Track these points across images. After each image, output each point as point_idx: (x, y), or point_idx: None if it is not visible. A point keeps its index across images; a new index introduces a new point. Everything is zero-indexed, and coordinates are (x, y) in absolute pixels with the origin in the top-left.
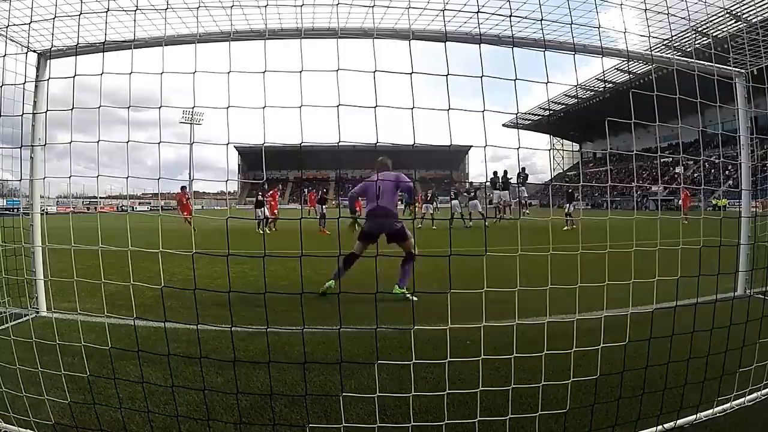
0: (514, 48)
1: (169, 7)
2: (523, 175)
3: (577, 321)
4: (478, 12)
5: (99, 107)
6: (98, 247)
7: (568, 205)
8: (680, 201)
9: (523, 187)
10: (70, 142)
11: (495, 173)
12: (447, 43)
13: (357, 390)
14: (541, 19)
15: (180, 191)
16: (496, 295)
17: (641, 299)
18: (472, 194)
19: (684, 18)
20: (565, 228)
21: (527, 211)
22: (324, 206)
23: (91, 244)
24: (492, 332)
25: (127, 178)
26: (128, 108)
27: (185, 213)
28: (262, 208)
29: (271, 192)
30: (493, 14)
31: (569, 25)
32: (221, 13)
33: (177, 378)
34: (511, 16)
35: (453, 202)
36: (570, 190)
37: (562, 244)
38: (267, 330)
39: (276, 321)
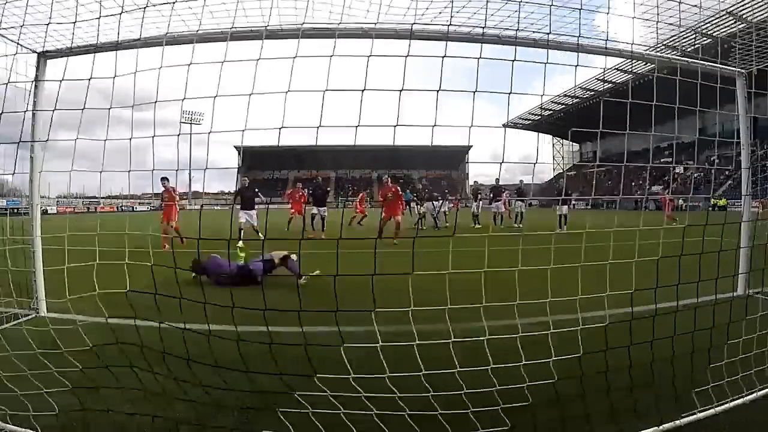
0: (514, 48)
1: (168, 4)
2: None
3: (577, 321)
4: (481, 12)
5: (109, 108)
6: (97, 248)
7: (563, 207)
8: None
9: (520, 202)
10: (75, 141)
11: (476, 182)
12: (447, 43)
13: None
14: (549, 20)
15: (165, 186)
16: (494, 294)
17: (641, 299)
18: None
19: (684, 18)
20: (559, 231)
21: (519, 225)
22: (321, 207)
23: (92, 244)
24: (492, 332)
25: (129, 171)
26: (131, 107)
27: (170, 218)
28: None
29: (290, 191)
30: (493, 14)
31: (568, 26)
32: (221, 12)
33: (177, 378)
34: (512, 16)
35: (426, 204)
36: (568, 192)
37: (561, 245)
38: (268, 330)
39: (276, 321)
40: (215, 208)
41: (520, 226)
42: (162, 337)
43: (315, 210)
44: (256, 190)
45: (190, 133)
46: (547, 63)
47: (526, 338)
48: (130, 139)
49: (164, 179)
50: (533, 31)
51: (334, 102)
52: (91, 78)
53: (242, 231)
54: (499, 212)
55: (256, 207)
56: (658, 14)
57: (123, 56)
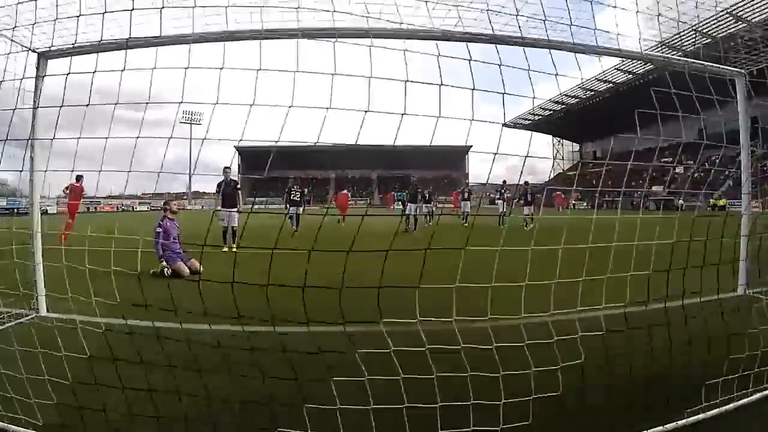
0: (512, 47)
1: (166, 6)
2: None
3: (578, 321)
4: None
5: (122, 107)
6: (97, 249)
7: (526, 207)
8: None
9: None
10: (79, 140)
11: (466, 183)
12: (446, 42)
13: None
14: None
15: (77, 182)
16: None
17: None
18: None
19: (685, 18)
20: (525, 228)
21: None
22: (298, 207)
23: (92, 244)
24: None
25: (129, 171)
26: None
27: (70, 216)
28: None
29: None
30: (493, 11)
31: (569, 26)
32: (222, 12)
33: (176, 380)
34: (518, 15)
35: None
36: (530, 192)
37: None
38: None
39: (275, 322)
40: (218, 208)
41: (527, 227)
42: (161, 337)
43: (292, 210)
44: (238, 186)
45: (190, 135)
46: (557, 74)
47: (528, 337)
48: (109, 137)
49: (80, 177)
50: (534, 29)
51: (335, 101)
52: (93, 82)
53: (226, 234)
54: (503, 212)
55: (239, 206)
56: (658, 14)
57: (122, 56)
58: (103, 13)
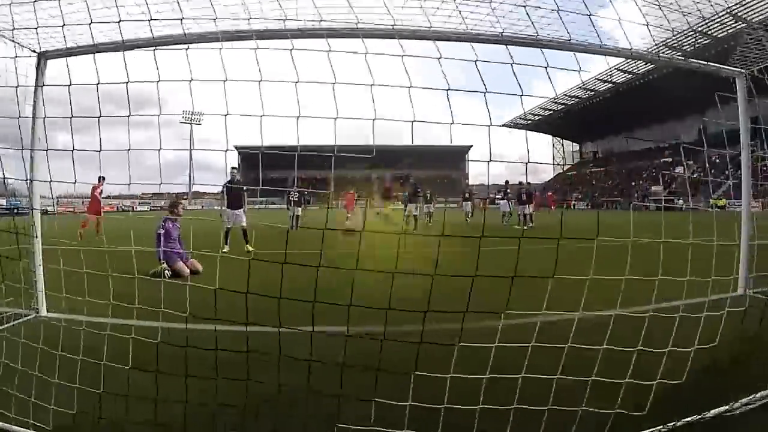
0: (512, 46)
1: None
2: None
3: (575, 320)
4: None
5: (128, 114)
6: (98, 248)
7: (524, 206)
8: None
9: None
10: (73, 148)
11: (466, 184)
12: (447, 42)
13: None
14: (572, 14)
15: (98, 183)
16: (486, 294)
17: (639, 300)
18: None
19: (685, 19)
20: (524, 227)
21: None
22: (297, 207)
23: (92, 244)
24: (479, 332)
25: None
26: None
27: (91, 212)
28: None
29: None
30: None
31: (570, 25)
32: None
33: (177, 380)
34: (536, 12)
35: (409, 205)
36: (526, 191)
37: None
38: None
39: (275, 322)
40: (216, 208)
41: (524, 227)
42: (161, 338)
43: (291, 210)
44: (244, 187)
45: (191, 135)
46: (547, 66)
47: (520, 337)
48: (101, 150)
49: (102, 178)
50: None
51: (335, 99)
52: (100, 82)
53: (228, 235)
54: (506, 211)
55: (244, 207)
56: (663, 12)
57: (121, 56)
58: (112, 22)
